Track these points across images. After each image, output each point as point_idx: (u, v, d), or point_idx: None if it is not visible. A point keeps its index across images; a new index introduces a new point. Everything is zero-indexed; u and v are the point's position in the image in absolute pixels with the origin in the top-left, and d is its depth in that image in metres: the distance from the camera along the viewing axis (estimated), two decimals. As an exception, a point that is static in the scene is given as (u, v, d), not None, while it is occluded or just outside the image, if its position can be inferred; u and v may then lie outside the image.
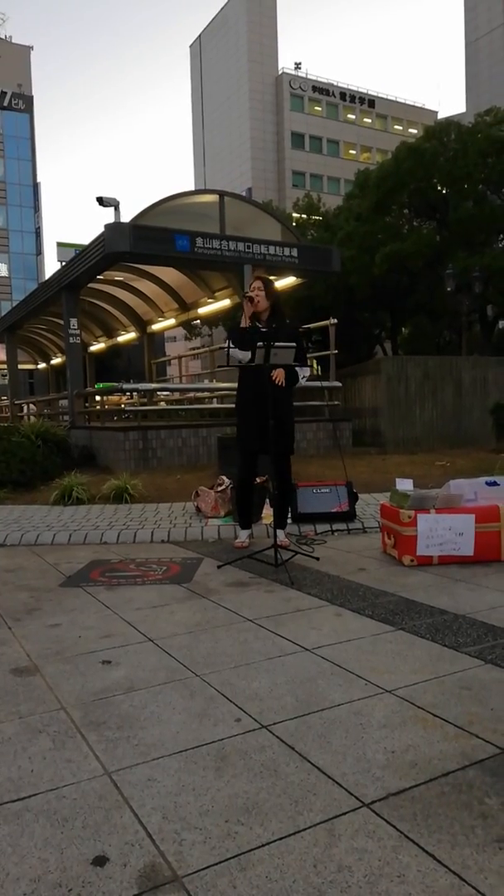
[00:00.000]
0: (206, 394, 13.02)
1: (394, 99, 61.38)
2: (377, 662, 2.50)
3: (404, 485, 4.27)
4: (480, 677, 2.34)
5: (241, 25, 56.87)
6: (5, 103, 55.58)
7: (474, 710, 2.09)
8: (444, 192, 20.22)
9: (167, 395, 16.68)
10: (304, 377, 4.42)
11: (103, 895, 1.34)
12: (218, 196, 10.79)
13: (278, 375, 4.20)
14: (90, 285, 12.49)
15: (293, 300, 18.45)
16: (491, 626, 2.86)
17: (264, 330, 4.29)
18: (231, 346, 4.35)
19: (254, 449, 4.49)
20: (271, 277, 5.02)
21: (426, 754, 1.83)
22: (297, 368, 4.29)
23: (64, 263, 12.49)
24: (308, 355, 5.05)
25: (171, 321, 15.13)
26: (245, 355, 4.22)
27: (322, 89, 57.63)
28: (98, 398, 13.75)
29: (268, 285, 4.45)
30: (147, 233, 9.56)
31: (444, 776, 1.72)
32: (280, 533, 4.51)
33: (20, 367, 20.31)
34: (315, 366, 19.30)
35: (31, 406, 19.27)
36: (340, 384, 11.06)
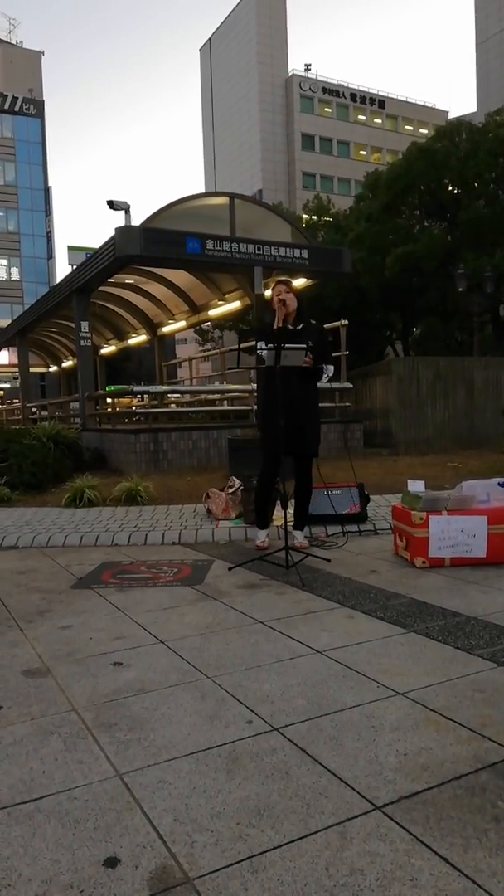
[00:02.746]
0: (217, 396, 13.03)
1: (404, 99, 61.20)
2: (389, 665, 2.49)
3: (416, 486, 4.24)
4: (493, 680, 2.32)
5: (251, 28, 56.94)
6: (17, 108, 55.83)
7: (487, 713, 2.07)
8: (454, 192, 20.16)
9: (178, 398, 16.70)
10: (327, 375, 4.47)
11: (115, 897, 1.34)
12: (228, 198, 10.81)
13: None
14: (101, 288, 12.54)
15: (304, 301, 18.42)
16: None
17: (290, 329, 4.38)
18: (263, 348, 4.30)
19: (279, 453, 4.46)
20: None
21: (439, 757, 1.82)
22: (322, 365, 4.36)
23: (75, 267, 12.55)
24: None
25: (182, 323, 15.17)
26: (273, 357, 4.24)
27: (332, 90, 57.54)
28: (109, 401, 13.79)
29: (292, 288, 4.51)
30: (157, 236, 9.59)
31: (456, 779, 1.71)
32: (299, 534, 4.55)
33: (31, 370, 20.43)
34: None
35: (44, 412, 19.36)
36: (351, 385, 11.03)
